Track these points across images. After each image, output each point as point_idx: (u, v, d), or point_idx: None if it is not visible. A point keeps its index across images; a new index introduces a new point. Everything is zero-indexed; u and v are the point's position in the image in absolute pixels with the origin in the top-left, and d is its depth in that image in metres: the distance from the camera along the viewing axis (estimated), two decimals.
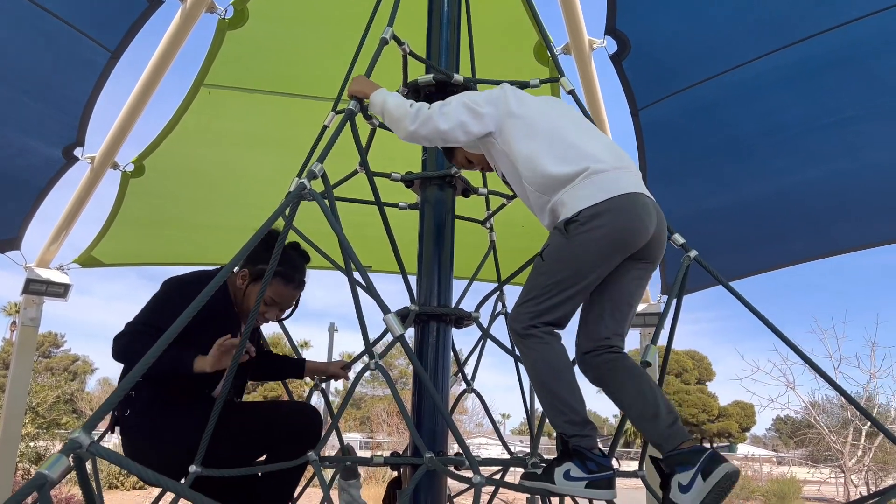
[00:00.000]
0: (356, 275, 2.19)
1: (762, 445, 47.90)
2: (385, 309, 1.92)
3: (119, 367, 2.46)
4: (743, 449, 46.25)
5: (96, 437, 1.32)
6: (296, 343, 3.52)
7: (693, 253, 2.28)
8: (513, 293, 3.83)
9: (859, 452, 12.21)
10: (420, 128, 2.27)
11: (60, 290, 5.61)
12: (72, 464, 1.15)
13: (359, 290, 2.37)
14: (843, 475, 12.30)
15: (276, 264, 2.14)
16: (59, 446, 14.29)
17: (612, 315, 2.18)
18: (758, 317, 2.34)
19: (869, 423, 12.32)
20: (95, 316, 75.98)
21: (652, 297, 5.47)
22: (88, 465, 1.60)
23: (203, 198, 5.54)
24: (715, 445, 47.21)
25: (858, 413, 12.50)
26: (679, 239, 2.32)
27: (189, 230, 5.85)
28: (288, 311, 2.77)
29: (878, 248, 5.07)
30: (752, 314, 2.35)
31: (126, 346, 2.40)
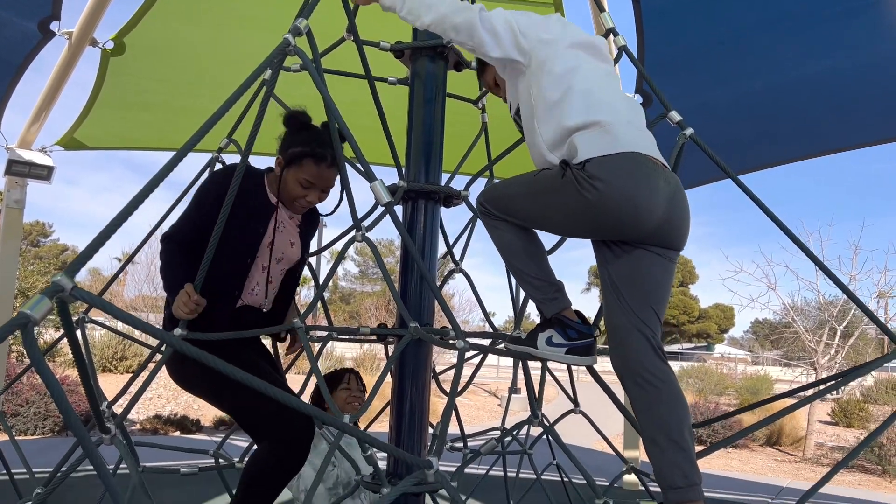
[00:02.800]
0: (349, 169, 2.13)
1: (739, 347, 49.49)
2: (371, 176, 1.88)
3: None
4: (720, 349, 47.87)
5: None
6: None
7: (689, 131, 2.22)
8: None
9: (832, 351, 12.66)
10: (455, 15, 2.02)
11: (44, 172, 5.53)
12: (55, 306, 1.14)
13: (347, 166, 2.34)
14: (814, 373, 12.78)
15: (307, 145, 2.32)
16: (51, 330, 14.40)
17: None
18: (753, 200, 2.32)
19: (844, 324, 12.75)
20: (82, 207, 75.84)
21: None
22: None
23: (187, 79, 5.36)
24: (694, 345, 48.91)
25: (835, 314, 12.92)
26: (675, 116, 2.26)
27: (174, 113, 5.70)
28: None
29: (869, 151, 5.03)
30: (750, 198, 2.32)
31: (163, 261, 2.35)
